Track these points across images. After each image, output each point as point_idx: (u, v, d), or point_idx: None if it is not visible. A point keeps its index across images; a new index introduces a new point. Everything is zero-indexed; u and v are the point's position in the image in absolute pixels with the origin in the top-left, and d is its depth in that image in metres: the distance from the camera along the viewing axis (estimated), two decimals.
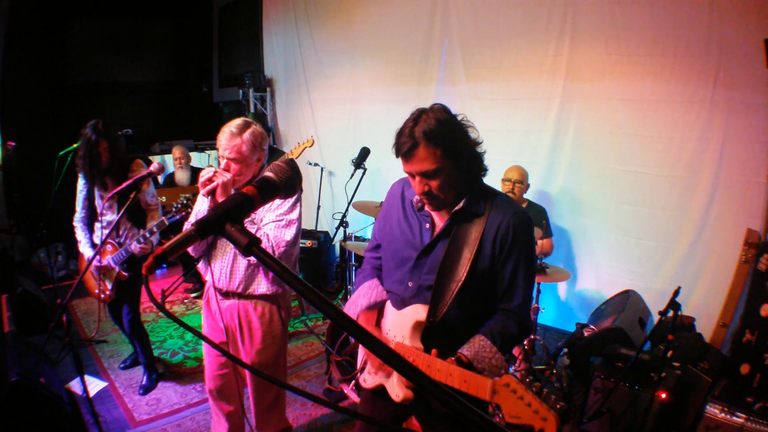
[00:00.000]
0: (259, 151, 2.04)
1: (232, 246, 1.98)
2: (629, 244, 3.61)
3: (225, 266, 2.06)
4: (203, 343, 2.31)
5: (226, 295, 2.13)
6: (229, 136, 1.98)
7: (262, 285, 2.09)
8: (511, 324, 1.52)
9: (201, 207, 2.11)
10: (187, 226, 2.11)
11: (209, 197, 1.96)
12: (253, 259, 1.90)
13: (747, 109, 2.98)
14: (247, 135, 1.99)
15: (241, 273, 2.06)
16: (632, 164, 3.50)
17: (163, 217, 2.64)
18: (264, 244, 1.74)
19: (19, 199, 5.10)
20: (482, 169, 1.56)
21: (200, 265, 2.16)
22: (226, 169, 1.99)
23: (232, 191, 1.99)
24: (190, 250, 2.09)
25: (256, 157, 2.04)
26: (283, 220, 2.00)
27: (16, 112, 5.35)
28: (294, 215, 2.02)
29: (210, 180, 1.94)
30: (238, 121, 2.04)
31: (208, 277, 2.14)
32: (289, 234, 2.00)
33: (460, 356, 1.44)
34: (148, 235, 2.73)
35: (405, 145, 1.42)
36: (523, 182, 3.49)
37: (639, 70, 3.36)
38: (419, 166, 1.43)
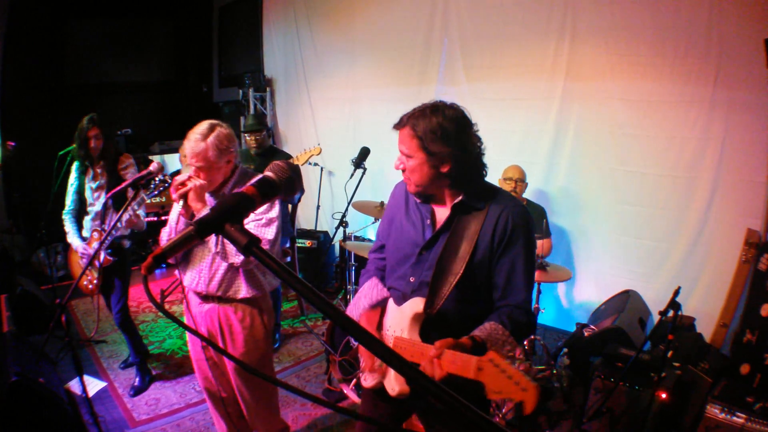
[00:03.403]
0: (226, 154, 2.01)
1: (210, 249, 1.97)
2: (629, 244, 3.60)
3: (204, 269, 2.03)
4: (189, 346, 2.30)
5: (206, 298, 2.10)
6: (194, 143, 1.95)
7: (242, 289, 2.05)
8: (518, 313, 1.51)
9: (173, 214, 2.08)
10: (178, 227, 2.09)
11: (181, 201, 1.93)
12: (237, 260, 1.91)
13: (747, 109, 2.98)
14: (211, 139, 1.95)
15: (220, 276, 2.02)
16: (632, 164, 3.50)
17: (143, 194, 2.73)
18: None
19: (19, 199, 5.10)
20: (481, 174, 1.58)
21: (177, 271, 2.11)
22: (198, 175, 1.97)
23: (206, 195, 1.98)
24: None
25: (225, 159, 2.01)
26: (263, 219, 1.98)
27: (16, 112, 5.35)
28: (273, 213, 2.00)
29: (183, 184, 1.92)
30: (203, 127, 1.99)
31: (186, 282, 2.09)
32: (270, 233, 1.99)
33: (474, 336, 1.42)
34: (131, 211, 2.85)
35: (399, 121, 1.55)
36: (524, 180, 3.49)
37: (639, 70, 3.36)
38: (400, 144, 1.55)
